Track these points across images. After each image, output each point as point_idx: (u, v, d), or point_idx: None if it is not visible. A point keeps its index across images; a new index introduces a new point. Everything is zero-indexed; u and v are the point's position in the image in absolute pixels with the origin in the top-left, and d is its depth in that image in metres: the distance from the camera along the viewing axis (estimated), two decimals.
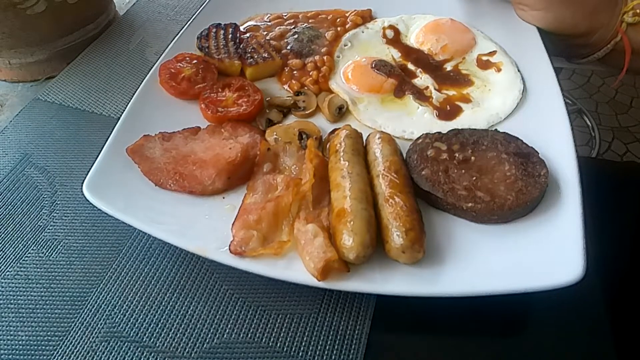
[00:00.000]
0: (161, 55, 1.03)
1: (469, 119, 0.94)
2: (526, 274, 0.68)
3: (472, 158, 0.82)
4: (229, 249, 0.72)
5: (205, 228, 0.77)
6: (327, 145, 0.88)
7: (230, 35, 1.09)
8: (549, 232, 0.73)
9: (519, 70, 1.00)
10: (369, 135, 0.86)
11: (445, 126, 0.92)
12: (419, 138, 0.86)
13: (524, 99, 0.95)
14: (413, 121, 0.94)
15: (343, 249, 0.68)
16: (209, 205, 0.81)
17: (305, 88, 1.01)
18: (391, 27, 1.13)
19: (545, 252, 0.70)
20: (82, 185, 0.80)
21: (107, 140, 0.87)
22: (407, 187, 0.76)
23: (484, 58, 1.04)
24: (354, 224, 0.69)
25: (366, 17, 1.16)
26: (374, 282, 0.69)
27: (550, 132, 0.86)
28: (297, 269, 0.70)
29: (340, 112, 0.96)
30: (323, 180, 0.81)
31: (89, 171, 0.82)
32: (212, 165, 0.84)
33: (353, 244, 0.68)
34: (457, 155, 0.82)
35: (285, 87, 1.03)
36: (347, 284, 0.68)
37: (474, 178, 0.78)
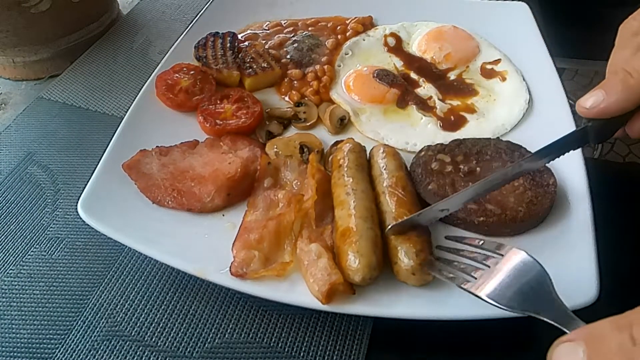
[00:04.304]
0: (157, 66, 1.01)
1: (474, 130, 0.91)
2: None
3: (478, 169, 0.79)
4: (230, 271, 0.70)
5: (205, 248, 0.74)
6: (330, 159, 0.86)
7: (228, 44, 1.06)
8: (560, 248, 0.71)
9: (524, 79, 0.98)
10: (372, 148, 0.84)
11: (449, 137, 0.89)
12: (421, 150, 0.84)
13: (530, 109, 0.93)
14: (416, 132, 0.92)
15: (349, 270, 0.66)
16: (208, 223, 0.78)
17: (306, 99, 0.99)
18: (392, 34, 1.11)
19: (557, 271, 0.68)
20: (77, 203, 0.78)
21: (102, 156, 0.85)
22: (414, 204, 0.74)
23: (488, 66, 1.02)
24: (360, 244, 0.67)
25: (367, 24, 1.14)
26: (380, 305, 0.66)
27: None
28: (301, 291, 0.68)
29: (342, 123, 0.94)
30: (326, 196, 0.78)
31: (84, 188, 0.80)
32: (211, 181, 0.81)
33: (359, 266, 0.65)
34: (462, 167, 0.80)
35: (285, 97, 1.00)
36: (353, 307, 0.66)
37: None
